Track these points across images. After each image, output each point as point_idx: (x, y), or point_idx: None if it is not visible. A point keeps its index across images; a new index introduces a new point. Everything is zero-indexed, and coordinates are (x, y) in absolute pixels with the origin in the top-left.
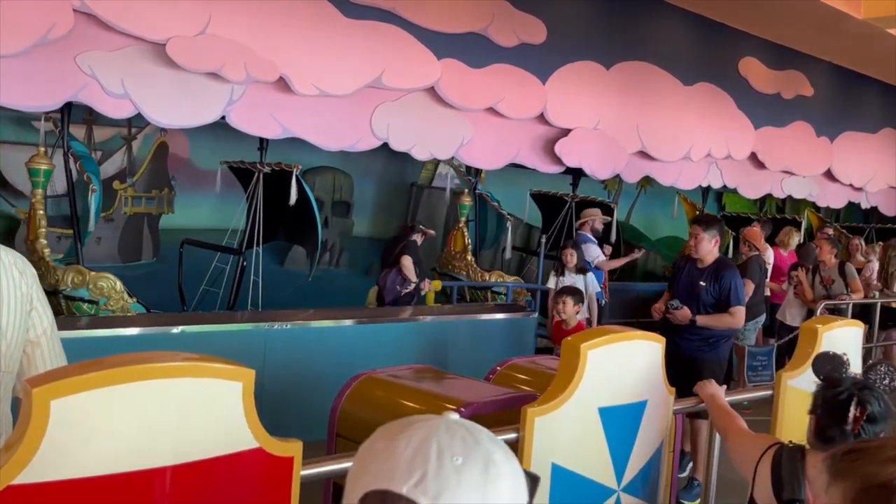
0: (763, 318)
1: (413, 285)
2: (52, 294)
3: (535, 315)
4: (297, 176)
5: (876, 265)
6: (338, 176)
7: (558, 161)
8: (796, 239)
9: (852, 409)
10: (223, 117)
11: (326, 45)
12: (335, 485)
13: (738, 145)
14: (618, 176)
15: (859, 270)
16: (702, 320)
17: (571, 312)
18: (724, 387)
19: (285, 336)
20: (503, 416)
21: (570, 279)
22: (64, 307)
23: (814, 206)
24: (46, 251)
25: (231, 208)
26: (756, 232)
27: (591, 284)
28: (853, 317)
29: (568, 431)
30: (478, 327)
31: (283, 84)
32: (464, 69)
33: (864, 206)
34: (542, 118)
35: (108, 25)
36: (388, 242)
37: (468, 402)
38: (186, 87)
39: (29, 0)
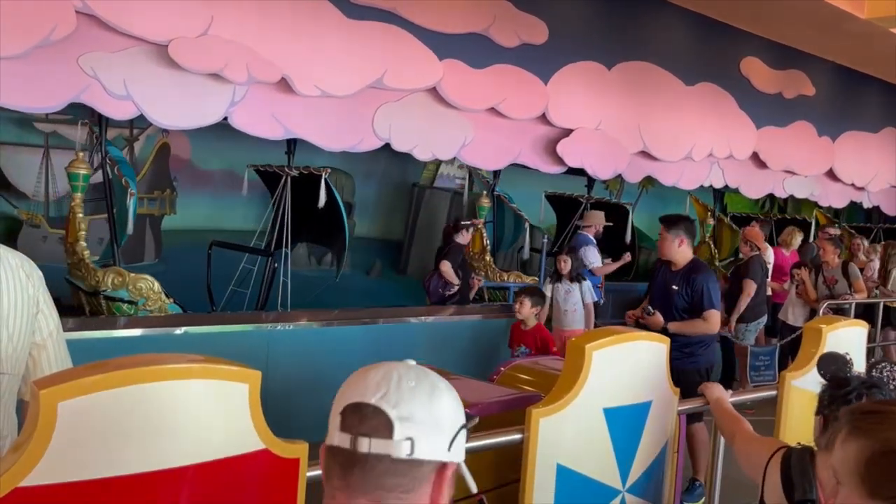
0: (765, 318)
1: (456, 287)
2: (93, 295)
3: None
4: (325, 179)
5: (877, 264)
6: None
7: (560, 161)
8: (799, 239)
9: None
10: (225, 118)
11: (328, 46)
12: None
13: (739, 145)
14: (619, 176)
15: (862, 270)
16: (673, 327)
17: (529, 313)
18: (730, 391)
19: (288, 337)
20: (508, 416)
21: (566, 287)
22: (104, 308)
23: (817, 205)
24: (86, 253)
25: (230, 208)
26: (756, 232)
27: (587, 294)
28: (855, 316)
29: (573, 432)
30: (481, 328)
31: (284, 85)
32: (465, 69)
33: (866, 205)
34: (543, 118)
35: (111, 27)
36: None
37: (473, 402)
38: (188, 88)
39: (31, 1)
